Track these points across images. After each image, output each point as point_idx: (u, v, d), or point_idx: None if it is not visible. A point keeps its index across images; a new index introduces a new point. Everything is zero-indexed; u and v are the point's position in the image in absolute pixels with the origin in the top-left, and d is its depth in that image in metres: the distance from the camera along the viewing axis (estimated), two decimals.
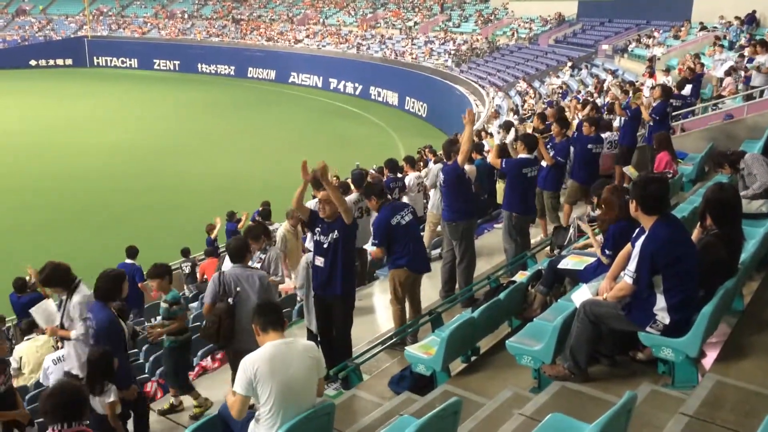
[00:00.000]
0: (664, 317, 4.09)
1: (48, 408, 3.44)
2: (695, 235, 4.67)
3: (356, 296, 6.32)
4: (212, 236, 12.86)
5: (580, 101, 13.43)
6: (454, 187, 7.00)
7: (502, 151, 8.16)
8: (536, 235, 8.66)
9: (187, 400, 6.06)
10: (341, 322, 5.89)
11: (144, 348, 7.75)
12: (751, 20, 19.15)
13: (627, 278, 4.16)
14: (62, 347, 5.49)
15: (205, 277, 11.49)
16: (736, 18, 19.58)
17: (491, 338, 5.72)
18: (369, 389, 5.39)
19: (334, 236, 5.64)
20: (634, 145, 10.74)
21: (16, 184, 21.78)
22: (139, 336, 7.18)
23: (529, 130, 10.93)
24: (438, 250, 8.66)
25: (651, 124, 10.63)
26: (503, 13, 41.85)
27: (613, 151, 10.21)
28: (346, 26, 49.78)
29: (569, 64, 27.90)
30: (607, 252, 5.02)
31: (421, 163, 13.15)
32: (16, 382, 6.60)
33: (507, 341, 4.79)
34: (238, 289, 5.37)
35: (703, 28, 22.17)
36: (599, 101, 15.32)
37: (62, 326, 5.16)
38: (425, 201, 10.52)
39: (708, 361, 4.23)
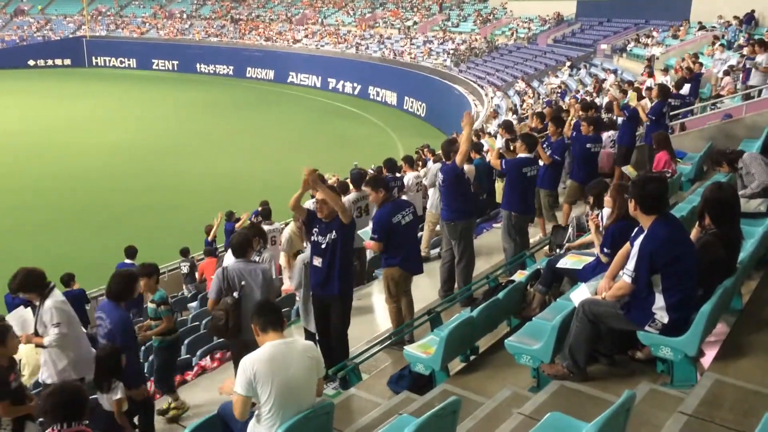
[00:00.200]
0: (662, 316, 4.10)
1: (48, 407, 3.45)
2: (694, 234, 4.67)
3: (355, 296, 6.34)
4: (209, 238, 12.85)
5: (579, 101, 13.42)
6: (452, 186, 7.00)
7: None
8: (535, 234, 8.67)
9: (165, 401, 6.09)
10: (339, 322, 5.89)
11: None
12: (750, 20, 19.17)
13: (626, 277, 4.17)
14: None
15: (204, 276, 11.51)
16: (735, 18, 19.61)
17: (490, 337, 5.73)
18: (368, 389, 5.39)
19: (332, 236, 5.64)
20: (632, 145, 10.75)
21: (16, 184, 21.77)
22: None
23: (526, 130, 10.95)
24: (437, 250, 8.66)
25: (648, 123, 10.65)
26: (502, 13, 41.87)
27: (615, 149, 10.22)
28: (345, 26, 49.79)
29: (568, 63, 27.90)
30: (605, 251, 5.03)
31: (420, 163, 13.15)
32: None
33: (506, 340, 4.79)
34: (242, 283, 5.39)
35: (702, 27, 22.20)
36: (597, 101, 15.32)
37: (36, 333, 5.03)
38: (424, 200, 10.53)
39: (707, 360, 4.24)
